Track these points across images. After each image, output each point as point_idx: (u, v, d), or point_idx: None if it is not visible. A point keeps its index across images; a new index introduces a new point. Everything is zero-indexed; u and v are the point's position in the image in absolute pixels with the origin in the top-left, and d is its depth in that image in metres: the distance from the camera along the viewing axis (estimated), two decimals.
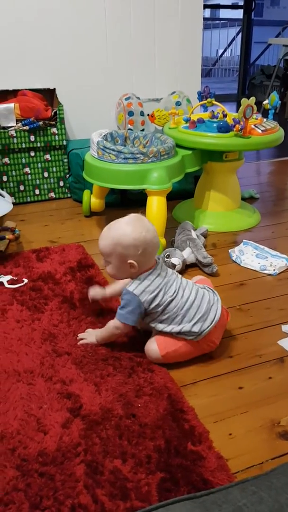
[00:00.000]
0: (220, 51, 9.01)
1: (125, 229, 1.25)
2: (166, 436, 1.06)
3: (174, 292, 1.27)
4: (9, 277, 1.71)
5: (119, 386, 1.21)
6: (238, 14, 6.38)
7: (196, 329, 1.27)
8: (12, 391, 1.19)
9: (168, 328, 1.28)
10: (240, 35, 6.25)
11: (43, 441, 1.05)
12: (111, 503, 0.91)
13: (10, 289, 1.65)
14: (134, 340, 1.38)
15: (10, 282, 1.69)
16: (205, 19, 8.83)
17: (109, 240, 1.26)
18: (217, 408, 1.16)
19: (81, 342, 1.37)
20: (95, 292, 1.52)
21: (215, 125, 2.03)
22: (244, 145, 1.98)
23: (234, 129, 1.96)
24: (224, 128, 1.98)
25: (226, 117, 2.11)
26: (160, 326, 1.29)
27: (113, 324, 1.31)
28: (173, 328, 1.28)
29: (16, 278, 1.71)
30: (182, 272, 1.77)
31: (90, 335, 1.38)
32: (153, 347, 1.29)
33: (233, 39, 8.52)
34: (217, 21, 9.10)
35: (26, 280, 1.69)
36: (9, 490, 0.94)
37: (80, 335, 1.40)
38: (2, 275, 1.73)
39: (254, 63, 6.67)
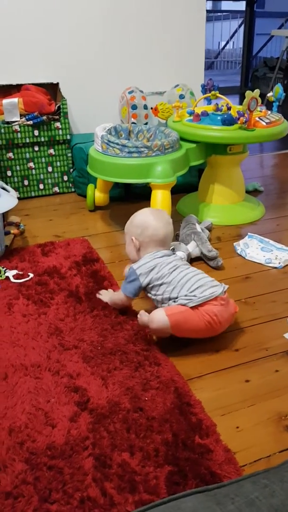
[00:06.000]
0: (222, 44, 8.93)
1: (141, 213, 1.49)
2: (173, 430, 1.06)
3: (173, 267, 1.38)
4: (14, 271, 1.71)
5: (126, 380, 1.21)
6: (241, 5, 6.32)
7: (195, 293, 1.31)
8: (19, 385, 1.19)
9: (166, 294, 1.35)
10: (242, 27, 6.20)
11: (51, 435, 1.05)
12: (119, 496, 0.92)
13: (16, 283, 1.65)
14: (141, 335, 1.38)
15: (16, 276, 1.69)
16: (207, 11, 8.76)
17: (128, 221, 1.49)
18: (224, 402, 1.17)
19: (98, 296, 1.56)
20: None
21: (219, 118, 2.03)
22: (248, 138, 1.97)
23: (239, 122, 1.95)
24: (228, 121, 1.97)
25: (230, 109, 2.10)
26: (159, 296, 1.37)
27: (119, 295, 1.47)
28: (171, 294, 1.35)
29: (22, 272, 1.72)
30: None
31: (106, 295, 1.55)
32: (159, 312, 1.30)
33: (236, 31, 8.45)
34: (219, 13, 9.03)
35: (31, 275, 1.70)
36: (18, 483, 0.94)
37: (100, 292, 1.58)
38: (7, 270, 1.73)
39: (257, 55, 6.61)
